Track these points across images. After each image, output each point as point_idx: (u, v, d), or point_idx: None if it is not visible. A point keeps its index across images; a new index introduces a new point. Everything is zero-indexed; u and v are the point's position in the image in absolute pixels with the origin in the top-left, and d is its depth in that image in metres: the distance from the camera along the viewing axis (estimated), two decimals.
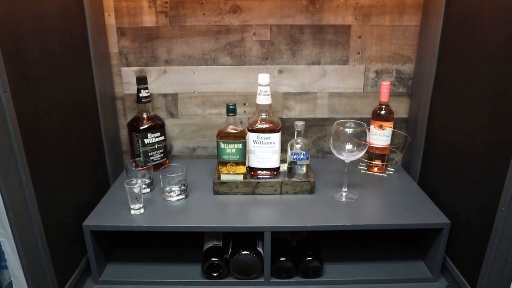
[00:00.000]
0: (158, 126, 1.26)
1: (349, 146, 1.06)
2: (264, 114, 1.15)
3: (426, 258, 1.13)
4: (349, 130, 1.06)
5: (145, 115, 1.24)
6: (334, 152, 1.09)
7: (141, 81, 1.21)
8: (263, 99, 1.14)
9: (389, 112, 1.23)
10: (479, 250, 0.93)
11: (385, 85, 1.21)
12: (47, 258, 0.90)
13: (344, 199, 1.13)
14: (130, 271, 1.12)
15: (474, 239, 0.97)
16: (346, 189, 1.14)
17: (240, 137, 1.12)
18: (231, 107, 1.10)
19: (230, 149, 1.13)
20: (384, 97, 1.22)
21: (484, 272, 0.92)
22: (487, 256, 0.91)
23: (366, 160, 1.30)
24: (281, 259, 1.06)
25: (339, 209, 1.09)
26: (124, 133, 1.36)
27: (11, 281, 0.87)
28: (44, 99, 0.91)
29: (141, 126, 1.23)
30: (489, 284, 0.91)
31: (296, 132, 1.15)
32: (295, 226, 1.02)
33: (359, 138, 1.05)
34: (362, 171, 1.31)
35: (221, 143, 1.13)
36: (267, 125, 1.15)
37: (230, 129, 1.12)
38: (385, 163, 1.27)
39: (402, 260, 1.15)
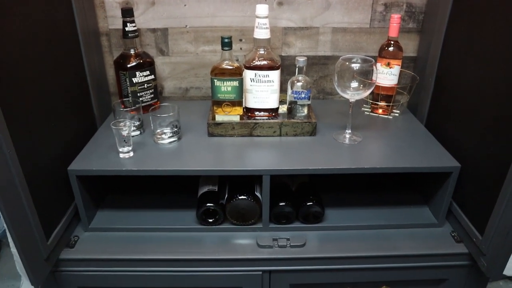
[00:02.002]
0: (147, 64, 1.18)
1: (354, 84, 1.00)
2: (263, 49, 1.08)
3: (431, 203, 1.10)
4: (355, 66, 0.99)
5: (132, 52, 1.16)
6: (338, 90, 1.03)
7: (127, 13, 1.12)
8: (262, 33, 1.05)
9: (398, 48, 1.16)
10: (490, 196, 0.89)
11: (395, 18, 1.12)
12: (29, 204, 0.84)
13: (347, 141, 1.08)
14: (122, 218, 1.08)
15: (485, 185, 0.93)
16: (350, 131, 1.09)
17: (236, 73, 1.05)
18: (226, 40, 1.02)
19: (226, 87, 1.06)
20: (394, 31, 1.14)
21: (494, 218, 0.88)
22: (498, 202, 0.87)
23: (371, 101, 1.24)
24: (281, 204, 1.03)
25: (342, 152, 1.04)
26: (111, 73, 1.28)
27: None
28: (15, 29, 0.82)
29: (129, 63, 1.15)
30: (499, 230, 0.87)
31: (297, 68, 1.08)
32: (295, 169, 0.98)
33: (366, 75, 0.99)
34: (366, 113, 1.25)
35: (215, 80, 1.05)
36: (265, 62, 1.07)
37: (226, 65, 1.05)
38: (391, 104, 1.20)
39: (406, 205, 1.13)
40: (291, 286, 1.03)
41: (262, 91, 1.11)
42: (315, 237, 1.04)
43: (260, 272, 1.00)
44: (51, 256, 0.93)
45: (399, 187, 1.20)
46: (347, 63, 0.99)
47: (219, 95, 1.07)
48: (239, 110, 1.10)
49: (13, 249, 1.19)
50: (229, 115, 1.10)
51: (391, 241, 1.03)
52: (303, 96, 1.09)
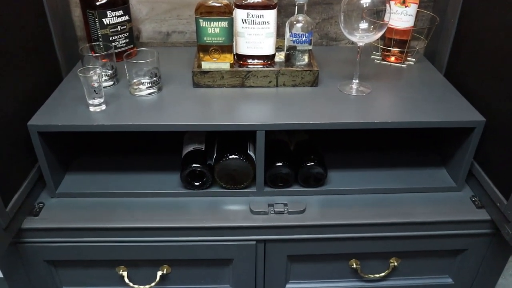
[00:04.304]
0: (120, 1, 1.10)
1: (364, 25, 0.95)
2: None
3: (449, 164, 1.07)
4: (365, 3, 0.93)
5: None
6: (345, 32, 0.97)
7: None
8: None
9: None
10: None
11: None
12: None
13: (354, 92, 1.03)
14: (94, 182, 1.05)
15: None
16: (357, 81, 1.04)
17: (225, 12, 0.98)
18: None
19: (213, 28, 0.99)
20: None
21: None
22: None
23: (382, 47, 1.18)
24: (277, 164, 0.99)
25: (348, 105, 1.00)
26: (77, 13, 1.21)
27: None
28: None
29: (97, 1, 1.07)
30: None
31: (296, 7, 1.01)
32: (294, 123, 0.93)
33: (377, 14, 0.93)
34: (376, 61, 1.20)
35: (201, 20, 0.99)
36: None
37: (213, 1, 0.98)
38: (405, 50, 1.15)
39: (420, 167, 1.10)
40: (289, 257, 1.02)
41: (256, 34, 1.05)
42: (316, 202, 1.01)
43: (254, 242, 0.98)
44: (11, 225, 0.89)
45: (413, 146, 1.17)
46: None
47: (205, 38, 1.01)
48: (229, 57, 1.04)
49: None
50: (218, 62, 1.04)
51: (402, 207, 1.00)
52: (303, 39, 1.03)
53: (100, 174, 1.07)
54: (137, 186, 1.03)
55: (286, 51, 1.07)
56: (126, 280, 1.01)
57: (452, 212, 0.99)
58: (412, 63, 1.18)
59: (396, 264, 1.03)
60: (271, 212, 0.98)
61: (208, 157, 1.02)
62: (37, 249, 0.97)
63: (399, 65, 1.17)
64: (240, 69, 1.05)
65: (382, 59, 1.20)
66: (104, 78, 1.02)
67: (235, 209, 0.99)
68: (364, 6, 0.93)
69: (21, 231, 0.94)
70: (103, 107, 0.96)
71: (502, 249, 1.01)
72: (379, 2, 0.93)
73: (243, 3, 1.01)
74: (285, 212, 0.98)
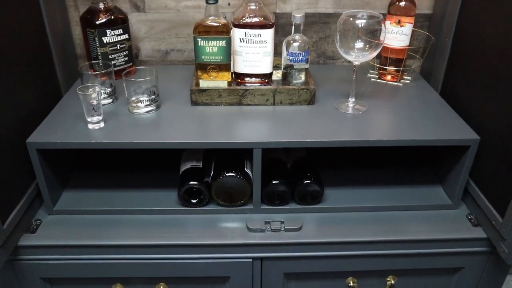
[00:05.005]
0: (119, 20, 1.13)
1: (359, 44, 0.96)
2: (254, 5, 1.03)
3: (445, 182, 1.08)
4: (360, 23, 0.95)
5: (101, 6, 1.10)
6: (341, 51, 0.99)
7: None
8: None
9: (411, 2, 1.11)
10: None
11: None
12: None
13: (350, 110, 1.04)
14: (92, 199, 1.05)
15: (506, 160, 0.89)
16: (353, 99, 1.05)
17: (223, 32, 1.00)
18: None
19: (211, 47, 1.01)
20: None
21: None
22: None
23: (378, 66, 1.20)
24: (274, 182, 0.99)
25: (344, 123, 1.01)
26: (77, 31, 1.23)
27: None
28: None
29: (97, 20, 1.09)
30: None
31: (293, 26, 1.03)
32: (291, 141, 0.94)
33: (373, 33, 0.95)
34: (372, 79, 1.22)
35: (199, 39, 1.00)
36: (257, 19, 1.03)
37: (211, 21, 1.00)
38: (401, 68, 1.16)
39: (416, 185, 1.11)
40: (286, 275, 1.01)
41: (253, 53, 1.06)
42: (312, 219, 1.01)
43: (251, 260, 0.98)
44: (8, 243, 0.89)
45: (409, 164, 1.18)
46: (351, 19, 0.94)
47: (203, 57, 1.03)
48: (226, 75, 1.06)
49: None
50: (215, 81, 1.06)
51: (399, 225, 1.00)
52: (300, 58, 1.04)
53: (98, 191, 1.07)
54: (135, 203, 1.03)
55: (283, 69, 1.08)
56: None
57: (449, 230, 0.99)
58: (408, 81, 1.20)
59: (393, 282, 1.03)
60: (268, 229, 0.98)
61: (206, 174, 1.03)
62: (33, 266, 0.97)
63: (395, 83, 1.19)
64: (238, 87, 1.06)
65: (379, 78, 1.21)
66: (103, 96, 1.04)
67: (232, 226, 1.00)
68: (360, 26, 0.94)
69: (17, 248, 0.94)
70: (102, 124, 0.97)
71: (499, 267, 1.01)
72: (375, 22, 0.94)
73: (241, 23, 1.03)
74: (282, 229, 0.98)
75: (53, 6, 1.10)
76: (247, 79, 1.09)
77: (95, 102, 0.95)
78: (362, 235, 0.98)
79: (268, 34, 1.04)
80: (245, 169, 1.01)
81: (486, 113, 0.97)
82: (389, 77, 1.20)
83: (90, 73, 1.04)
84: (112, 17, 1.11)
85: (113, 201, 1.04)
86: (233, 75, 1.10)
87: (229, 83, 1.06)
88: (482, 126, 0.97)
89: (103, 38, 1.10)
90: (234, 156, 1.04)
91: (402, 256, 0.99)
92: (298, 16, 1.01)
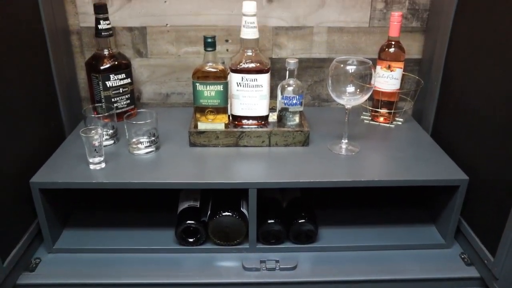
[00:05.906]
0: (122, 66, 1.17)
1: (351, 89, 1.00)
2: (250, 51, 1.07)
3: (438, 221, 1.09)
4: (351, 68, 0.98)
5: (106, 52, 1.15)
6: (333, 95, 1.02)
7: (100, 9, 1.11)
8: (249, 33, 1.05)
9: (400, 49, 1.16)
10: (501, 212, 0.88)
11: (396, 16, 1.13)
12: None
13: (343, 151, 1.07)
14: (91, 238, 1.06)
15: (496, 200, 0.91)
16: (346, 140, 1.08)
17: (220, 77, 1.04)
18: (209, 40, 1.02)
19: (209, 91, 1.05)
20: (394, 31, 1.14)
21: (506, 237, 0.86)
22: (510, 219, 0.85)
23: (370, 108, 1.23)
24: (269, 221, 1.01)
25: (337, 163, 1.03)
26: (82, 75, 1.27)
27: None
28: None
29: (102, 65, 1.14)
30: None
31: (288, 72, 1.07)
32: (286, 182, 0.97)
33: (363, 78, 0.98)
34: (365, 121, 1.25)
35: (198, 84, 1.05)
36: (253, 64, 1.07)
37: (209, 67, 1.04)
38: (392, 111, 1.20)
39: (410, 224, 1.12)
40: None
41: (250, 96, 1.10)
42: (307, 258, 1.02)
43: None
44: (7, 281, 0.90)
45: (402, 204, 1.19)
46: (342, 65, 0.98)
47: (201, 100, 1.07)
48: (224, 118, 1.09)
49: None
50: (213, 123, 1.09)
51: (393, 264, 1.01)
52: (294, 102, 1.08)
53: (97, 230, 1.08)
54: (133, 242, 1.04)
55: (279, 112, 1.11)
56: None
57: (442, 269, 1.00)
58: (400, 123, 1.23)
59: None
60: (263, 268, 0.99)
61: (202, 213, 1.04)
62: None
63: (388, 125, 1.22)
64: (234, 129, 1.09)
65: (372, 119, 1.25)
66: (105, 137, 1.07)
67: (228, 265, 1.00)
68: (350, 72, 0.98)
69: (16, 286, 0.94)
70: (103, 165, 1.00)
71: None
72: (364, 68, 0.98)
73: (238, 68, 1.07)
74: (277, 268, 0.99)
75: (60, 52, 1.15)
76: (244, 121, 1.13)
77: (97, 144, 0.98)
78: (356, 274, 0.98)
79: (264, 79, 1.08)
80: (241, 209, 1.02)
81: (475, 154, 1.00)
82: (381, 118, 1.23)
83: (93, 115, 1.08)
84: (116, 62, 1.15)
85: (112, 239, 1.05)
86: (230, 117, 1.13)
87: (226, 125, 1.10)
88: (472, 167, 0.99)
89: (106, 82, 1.15)
90: (231, 195, 1.05)
91: None
92: (292, 62, 1.06)
